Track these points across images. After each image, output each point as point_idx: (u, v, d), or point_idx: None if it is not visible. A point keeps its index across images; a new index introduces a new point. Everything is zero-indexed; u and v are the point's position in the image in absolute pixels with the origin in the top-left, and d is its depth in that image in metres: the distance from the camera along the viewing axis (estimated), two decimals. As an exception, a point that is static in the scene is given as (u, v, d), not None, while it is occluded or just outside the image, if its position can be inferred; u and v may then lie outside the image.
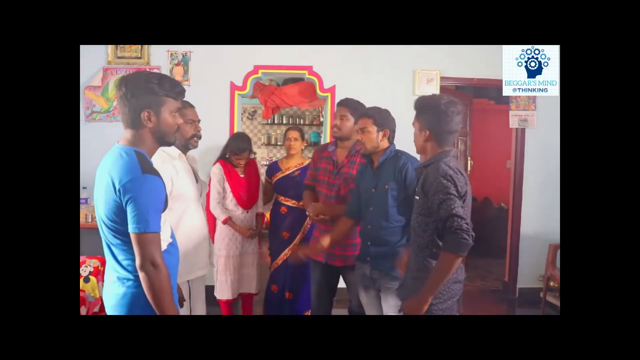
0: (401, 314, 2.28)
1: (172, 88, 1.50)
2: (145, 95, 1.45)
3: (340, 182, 2.54)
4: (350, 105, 2.57)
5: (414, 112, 1.94)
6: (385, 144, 2.31)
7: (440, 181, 1.74)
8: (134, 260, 1.41)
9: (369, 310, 2.43)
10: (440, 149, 1.86)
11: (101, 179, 1.44)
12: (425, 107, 1.89)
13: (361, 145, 2.32)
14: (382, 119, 2.30)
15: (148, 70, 3.90)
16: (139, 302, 1.43)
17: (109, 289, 1.50)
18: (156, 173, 1.45)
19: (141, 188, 1.39)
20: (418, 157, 2.28)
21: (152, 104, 1.46)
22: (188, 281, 2.34)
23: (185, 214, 2.26)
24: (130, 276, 1.44)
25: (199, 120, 2.37)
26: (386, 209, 2.24)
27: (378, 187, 2.27)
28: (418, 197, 1.87)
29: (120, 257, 1.45)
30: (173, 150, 2.24)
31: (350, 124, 2.53)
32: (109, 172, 1.41)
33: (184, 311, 2.36)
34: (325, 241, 2.39)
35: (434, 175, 1.76)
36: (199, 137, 2.35)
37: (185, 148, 2.32)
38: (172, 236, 1.60)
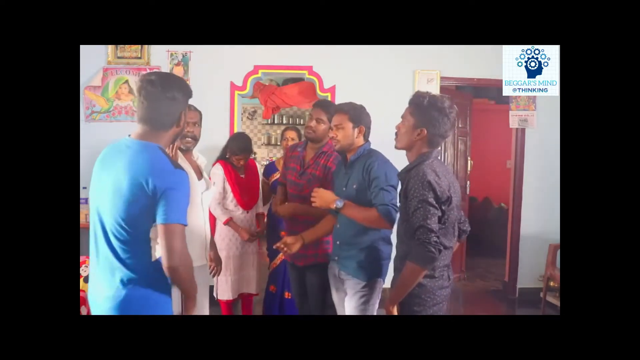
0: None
1: (190, 92, 1.59)
2: (182, 97, 1.52)
3: (304, 183, 2.48)
4: (327, 108, 2.48)
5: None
6: (360, 141, 2.23)
7: (417, 187, 1.69)
8: (140, 258, 1.42)
9: (340, 311, 2.36)
10: (426, 150, 1.82)
11: (113, 175, 1.43)
12: (429, 107, 1.79)
13: (335, 142, 2.22)
14: (358, 115, 2.23)
15: (149, 70, 3.90)
16: (137, 305, 1.43)
17: (104, 292, 1.46)
18: (183, 169, 1.50)
19: (177, 182, 1.44)
20: (400, 157, 2.14)
21: (184, 106, 1.54)
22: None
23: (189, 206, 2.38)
24: (134, 275, 1.43)
25: (197, 123, 2.43)
26: None
27: (348, 185, 2.19)
28: (400, 203, 1.83)
29: (124, 255, 1.44)
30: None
31: (326, 127, 2.45)
32: (130, 167, 1.41)
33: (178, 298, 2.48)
34: (295, 245, 2.28)
35: (414, 179, 1.72)
36: (197, 140, 2.42)
37: (187, 148, 2.37)
38: None
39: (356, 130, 2.20)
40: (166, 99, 1.48)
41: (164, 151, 1.50)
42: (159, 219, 1.40)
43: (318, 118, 2.46)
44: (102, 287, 1.47)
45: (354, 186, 2.14)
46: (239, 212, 3.06)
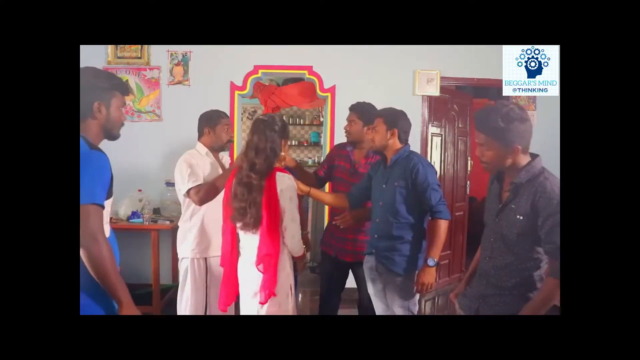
0: (407, 313, 2.31)
1: (119, 82, 1.63)
2: (94, 88, 1.56)
3: (357, 181, 2.64)
4: (357, 110, 2.70)
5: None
6: (396, 143, 2.41)
7: (551, 204, 1.62)
8: None
9: (376, 302, 2.53)
10: (526, 161, 1.74)
11: None
12: (512, 121, 1.69)
13: (371, 142, 2.45)
14: (393, 119, 2.41)
15: (149, 70, 3.90)
16: None
17: None
18: (103, 151, 1.51)
19: (88, 162, 1.43)
20: (430, 160, 2.36)
21: (103, 97, 1.58)
22: (205, 259, 2.65)
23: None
24: None
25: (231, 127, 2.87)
26: (394, 205, 2.34)
27: (388, 183, 2.37)
28: (509, 214, 1.75)
29: None
30: (201, 148, 2.73)
31: (359, 127, 2.68)
32: None
33: (200, 287, 2.62)
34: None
35: (545, 195, 1.65)
36: (232, 141, 2.91)
37: (220, 149, 2.80)
38: (111, 231, 1.61)
39: (389, 132, 2.39)
40: (82, 89, 1.51)
41: (84, 138, 1.52)
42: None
43: (350, 120, 2.73)
44: None
45: (395, 184, 2.34)
46: None
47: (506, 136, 1.68)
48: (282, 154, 2.26)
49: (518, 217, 1.69)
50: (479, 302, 1.84)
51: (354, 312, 3.03)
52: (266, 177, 2.12)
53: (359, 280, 2.72)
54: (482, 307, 1.82)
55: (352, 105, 2.77)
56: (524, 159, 1.74)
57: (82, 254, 1.39)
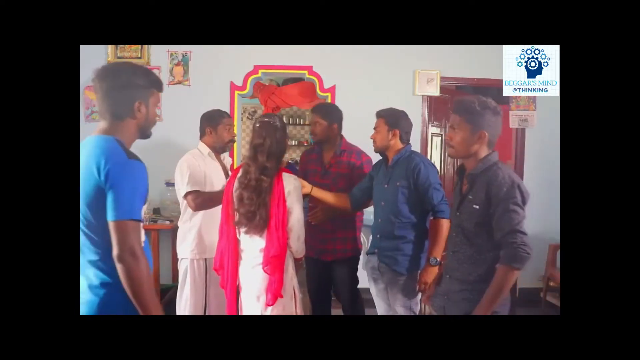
0: (409, 313, 2.32)
1: (157, 79, 1.55)
2: (134, 86, 1.47)
3: (329, 182, 2.69)
4: (320, 111, 2.76)
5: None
6: (397, 143, 2.44)
7: (504, 191, 1.70)
8: (108, 259, 1.35)
9: (378, 302, 2.55)
10: (486, 152, 1.83)
11: (80, 174, 1.40)
12: (483, 110, 1.79)
13: (373, 143, 2.48)
14: (394, 120, 2.43)
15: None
16: (115, 312, 1.39)
17: (83, 296, 1.43)
18: (141, 160, 1.44)
19: (126, 173, 1.37)
20: (432, 160, 2.38)
21: (142, 95, 1.49)
22: (205, 259, 2.65)
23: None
24: (109, 279, 1.39)
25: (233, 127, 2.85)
26: (396, 205, 2.36)
27: (390, 183, 2.39)
28: (465, 205, 1.84)
29: (95, 257, 1.40)
30: (203, 148, 2.71)
31: (322, 126, 2.72)
32: (87, 160, 1.37)
33: (200, 287, 2.62)
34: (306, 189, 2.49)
35: (496, 183, 1.72)
36: (234, 142, 2.87)
37: (222, 150, 2.78)
38: (146, 240, 1.56)
39: (390, 133, 2.42)
40: (116, 88, 1.45)
41: (120, 142, 1.44)
42: (109, 214, 1.34)
43: (314, 122, 2.76)
44: (82, 292, 1.44)
45: (397, 184, 2.35)
46: None
47: (478, 121, 1.77)
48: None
49: (475, 206, 1.76)
50: (444, 299, 1.88)
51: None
52: (274, 178, 2.11)
53: (338, 279, 2.75)
54: (447, 304, 1.87)
55: (314, 107, 2.83)
56: (484, 152, 1.81)
57: (120, 269, 1.34)
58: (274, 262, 2.08)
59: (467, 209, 1.80)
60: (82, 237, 1.42)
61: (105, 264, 1.40)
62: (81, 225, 1.41)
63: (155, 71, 3.98)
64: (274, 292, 2.07)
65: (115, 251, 1.34)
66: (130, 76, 1.47)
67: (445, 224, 2.31)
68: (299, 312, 2.21)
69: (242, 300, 2.24)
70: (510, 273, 1.65)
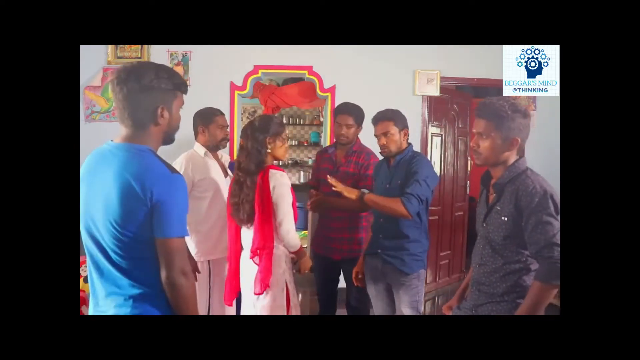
0: (415, 313, 2.30)
1: (181, 81, 1.43)
2: (158, 90, 1.35)
3: (338, 180, 2.64)
4: (353, 113, 2.69)
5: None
6: (404, 143, 2.42)
7: (535, 201, 1.58)
8: (147, 273, 1.32)
9: (376, 303, 2.52)
10: (515, 159, 1.72)
11: (103, 185, 1.33)
12: (514, 114, 1.67)
13: (385, 149, 2.39)
14: (401, 119, 2.40)
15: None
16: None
17: (112, 310, 1.37)
18: (180, 173, 1.37)
19: (173, 189, 1.30)
20: (430, 160, 2.35)
21: (165, 99, 1.38)
22: (208, 261, 2.66)
23: (212, 200, 2.63)
24: (141, 291, 1.34)
25: (227, 126, 2.85)
26: None
27: (392, 183, 2.38)
28: (494, 216, 1.72)
29: (127, 268, 1.33)
30: (200, 149, 2.70)
31: (355, 129, 2.69)
32: (120, 173, 1.29)
33: (203, 289, 2.63)
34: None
35: (527, 193, 1.61)
36: (227, 140, 2.85)
37: (215, 148, 2.76)
38: None
39: (401, 133, 2.39)
40: (138, 91, 1.33)
41: (156, 154, 1.37)
42: (158, 232, 1.28)
43: (347, 124, 2.67)
44: (109, 306, 1.39)
45: (399, 183, 2.31)
46: None
47: (509, 125, 1.63)
48: (278, 149, 2.28)
49: (503, 218, 1.66)
50: (472, 313, 1.79)
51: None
52: (258, 174, 2.20)
53: (348, 279, 2.74)
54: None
55: (342, 107, 2.74)
56: (513, 158, 1.70)
57: (168, 287, 1.30)
58: (260, 254, 2.20)
59: (495, 220, 1.69)
60: (112, 254, 1.33)
61: (138, 276, 1.34)
62: (111, 242, 1.32)
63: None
64: (261, 281, 2.17)
65: (164, 273, 1.30)
66: (153, 79, 1.34)
67: (395, 205, 2.20)
68: (293, 306, 2.25)
69: (242, 290, 2.36)
70: (547, 291, 1.55)
